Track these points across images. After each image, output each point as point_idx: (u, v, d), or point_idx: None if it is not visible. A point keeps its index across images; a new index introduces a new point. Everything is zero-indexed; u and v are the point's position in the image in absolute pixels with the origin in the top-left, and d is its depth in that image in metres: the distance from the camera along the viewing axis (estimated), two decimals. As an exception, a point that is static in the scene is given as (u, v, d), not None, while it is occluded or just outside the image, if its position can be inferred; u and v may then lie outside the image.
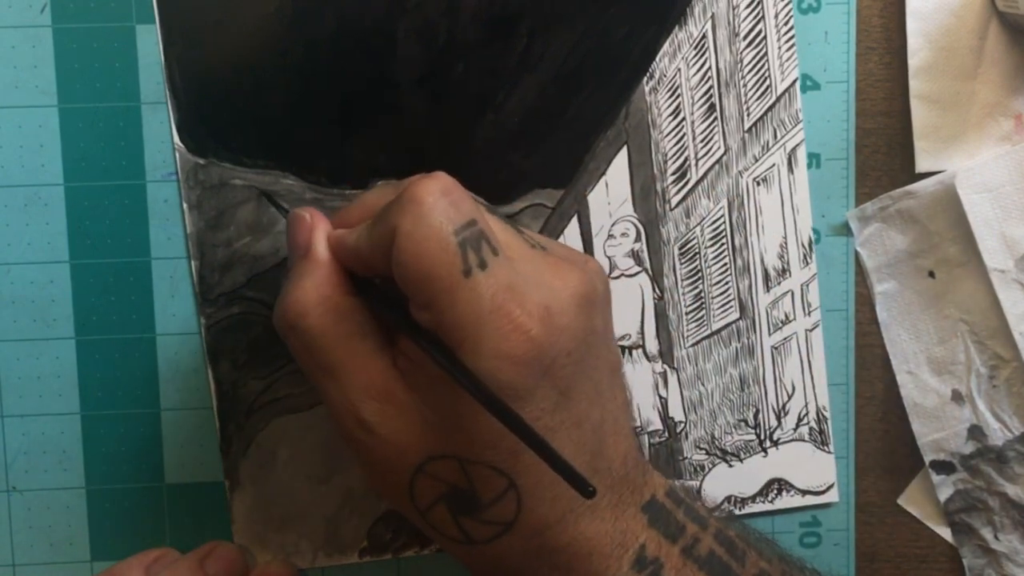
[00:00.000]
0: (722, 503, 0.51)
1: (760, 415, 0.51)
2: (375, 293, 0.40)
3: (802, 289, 0.50)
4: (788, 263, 0.50)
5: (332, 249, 0.41)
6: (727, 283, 0.50)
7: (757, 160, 0.50)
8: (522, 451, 0.37)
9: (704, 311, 0.50)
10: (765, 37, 0.49)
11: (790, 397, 0.51)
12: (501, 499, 0.38)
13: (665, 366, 0.51)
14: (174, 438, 0.50)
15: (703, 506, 0.43)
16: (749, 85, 0.49)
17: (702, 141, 0.50)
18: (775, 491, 0.51)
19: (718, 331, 0.51)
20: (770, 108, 0.49)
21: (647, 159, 0.50)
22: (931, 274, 0.51)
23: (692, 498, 0.43)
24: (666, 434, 0.51)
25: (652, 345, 0.51)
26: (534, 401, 0.37)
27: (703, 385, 0.51)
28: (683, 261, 0.50)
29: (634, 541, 0.40)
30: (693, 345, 0.51)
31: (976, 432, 0.51)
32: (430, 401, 0.39)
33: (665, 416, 0.51)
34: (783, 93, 0.49)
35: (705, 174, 0.50)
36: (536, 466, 0.38)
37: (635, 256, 0.50)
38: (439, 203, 0.37)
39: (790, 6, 0.49)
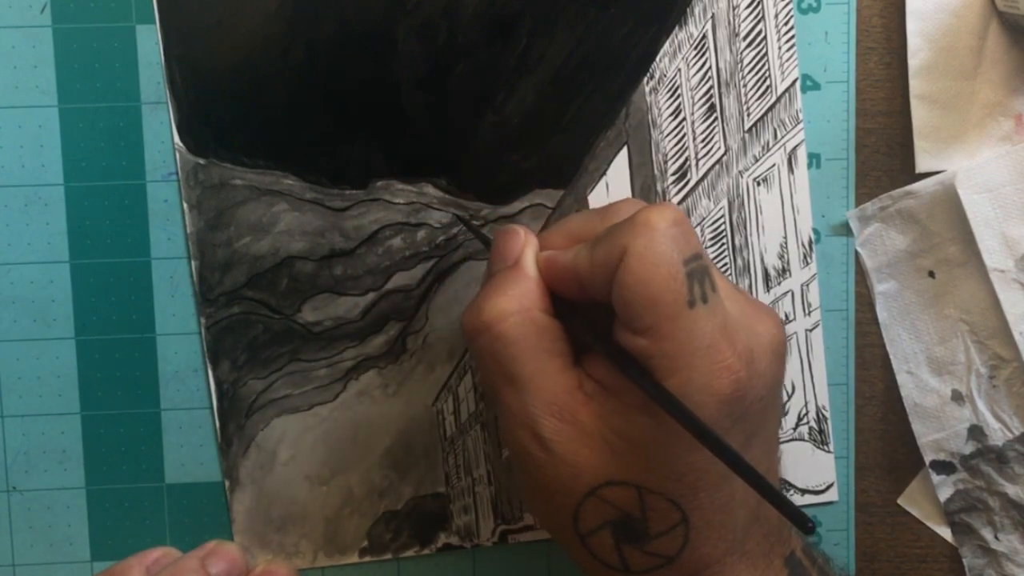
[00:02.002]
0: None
1: (760, 415, 0.51)
2: (577, 315, 0.41)
3: (802, 289, 0.50)
4: (788, 263, 0.50)
5: (540, 267, 0.41)
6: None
7: (757, 160, 0.50)
8: (701, 488, 0.38)
9: (704, 311, 0.50)
10: (765, 37, 0.49)
11: (790, 397, 0.51)
12: (670, 533, 0.39)
13: None
14: (174, 438, 0.50)
15: (832, 569, 0.43)
16: (749, 85, 0.49)
17: (702, 141, 0.50)
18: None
19: (718, 331, 0.51)
20: (770, 108, 0.49)
21: (647, 159, 0.50)
22: (931, 274, 0.51)
23: (824, 559, 0.43)
24: None
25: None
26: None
27: (703, 385, 0.51)
28: (683, 261, 0.50)
29: None
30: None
31: (976, 432, 0.51)
32: (617, 427, 0.38)
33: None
34: (783, 93, 0.49)
35: (705, 174, 0.50)
36: (710, 505, 0.38)
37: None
38: (672, 231, 0.37)
39: (790, 6, 0.49)
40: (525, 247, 0.42)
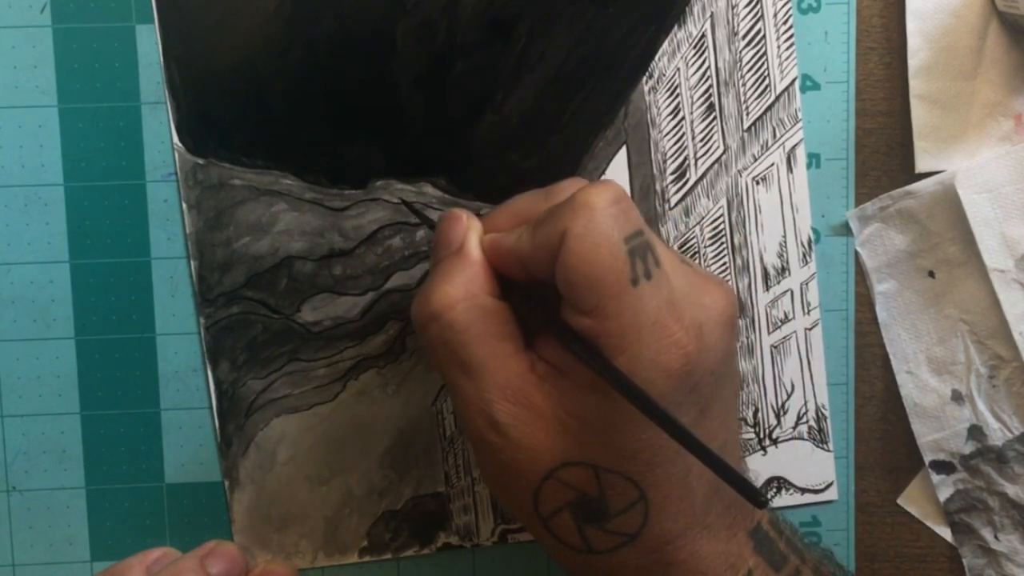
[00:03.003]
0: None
1: (759, 414, 0.51)
2: (525, 297, 0.40)
3: (801, 288, 0.50)
4: (787, 262, 0.50)
5: (484, 251, 0.41)
6: (727, 282, 0.50)
7: (756, 159, 0.50)
8: (657, 464, 0.38)
9: (704, 311, 0.50)
10: (764, 36, 0.49)
11: (789, 396, 0.51)
12: (629, 510, 0.39)
13: None
14: (174, 438, 0.50)
15: (801, 540, 0.43)
16: (748, 84, 0.49)
17: (701, 140, 0.50)
18: (774, 489, 0.51)
19: (718, 331, 0.50)
20: (769, 107, 0.49)
21: (646, 158, 0.50)
22: (931, 274, 0.51)
23: (791, 531, 0.43)
24: None
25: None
26: (677, 415, 0.37)
27: (703, 385, 0.51)
28: (682, 261, 0.50)
29: (743, 564, 0.40)
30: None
31: (976, 432, 0.51)
32: (570, 408, 0.39)
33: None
34: (782, 92, 0.49)
35: (704, 173, 0.50)
36: (667, 481, 0.38)
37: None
38: (611, 209, 0.37)
39: (789, 6, 0.49)
40: (468, 231, 0.41)
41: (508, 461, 0.39)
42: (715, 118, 0.50)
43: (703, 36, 0.49)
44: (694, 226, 0.50)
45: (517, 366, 0.39)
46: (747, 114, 0.50)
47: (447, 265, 0.41)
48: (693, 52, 0.49)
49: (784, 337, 0.51)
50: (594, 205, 0.37)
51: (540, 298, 0.40)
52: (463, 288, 0.40)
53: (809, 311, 0.50)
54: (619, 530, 0.39)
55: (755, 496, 0.35)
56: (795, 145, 0.50)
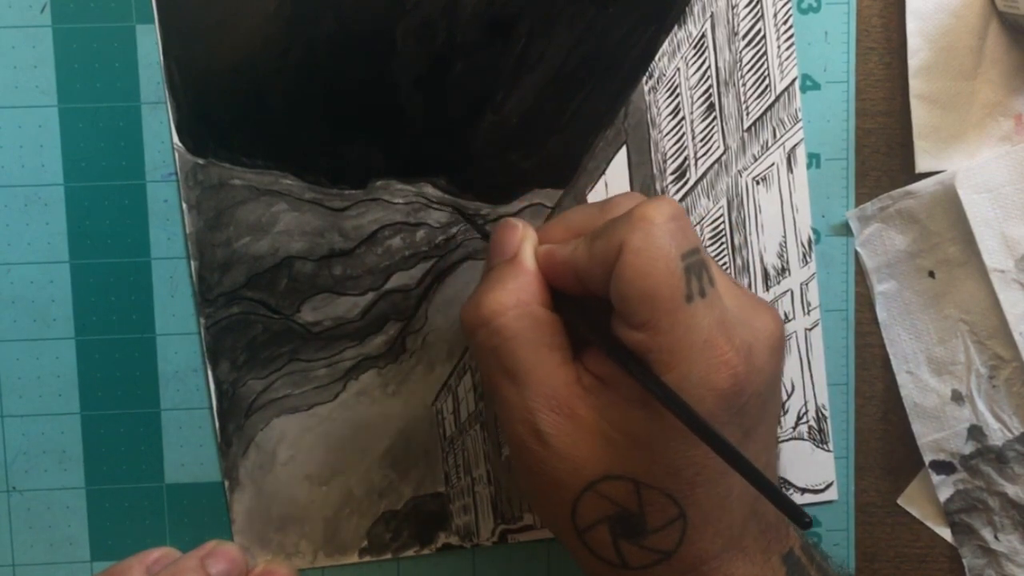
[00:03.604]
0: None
1: (759, 414, 0.51)
2: (576, 309, 0.40)
3: (801, 288, 0.50)
4: (787, 262, 0.50)
5: (538, 261, 0.41)
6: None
7: (756, 159, 0.50)
8: (699, 484, 0.38)
9: (704, 311, 0.50)
10: (764, 36, 0.49)
11: (789, 396, 0.51)
12: (667, 528, 0.38)
13: None
14: (174, 438, 0.50)
15: (830, 566, 0.43)
16: (748, 84, 0.49)
17: (701, 140, 0.50)
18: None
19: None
20: (769, 107, 0.49)
21: (646, 158, 0.50)
22: (931, 274, 0.51)
23: (821, 556, 0.43)
24: None
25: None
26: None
27: (703, 385, 0.51)
28: (682, 261, 0.50)
29: None
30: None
31: (976, 432, 0.51)
32: (615, 422, 0.38)
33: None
34: (782, 92, 0.49)
35: (704, 173, 0.50)
36: (707, 500, 0.38)
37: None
38: (669, 225, 0.37)
39: (789, 5, 0.49)
40: (523, 241, 0.41)
41: (548, 471, 0.39)
42: (715, 118, 0.50)
43: (703, 36, 0.49)
44: (695, 226, 0.50)
45: (564, 376, 0.39)
46: (747, 114, 0.50)
47: (500, 272, 0.41)
48: (693, 52, 0.49)
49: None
50: (653, 220, 0.37)
51: (591, 311, 0.40)
52: (515, 295, 0.40)
53: (809, 311, 0.50)
54: (655, 547, 0.39)
55: (800, 517, 0.34)
56: (795, 145, 0.50)
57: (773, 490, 0.35)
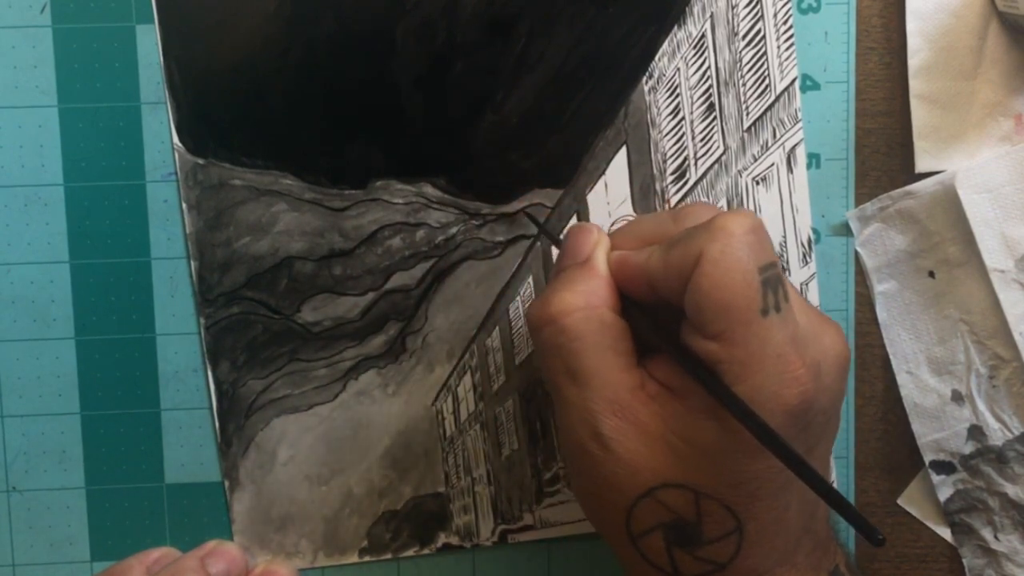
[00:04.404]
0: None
1: (759, 415, 0.51)
2: (645, 315, 0.40)
3: (801, 288, 0.50)
4: (787, 262, 0.50)
5: (611, 266, 0.41)
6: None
7: (756, 159, 0.50)
8: (759, 497, 0.38)
9: (704, 311, 0.50)
10: (764, 36, 0.49)
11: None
12: (723, 539, 0.38)
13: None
14: (174, 438, 0.50)
15: None
16: (748, 84, 0.49)
17: (701, 140, 0.50)
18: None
19: (718, 331, 0.50)
20: (769, 107, 0.49)
21: (646, 158, 0.50)
22: (931, 274, 0.50)
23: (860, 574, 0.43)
24: None
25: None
26: None
27: (703, 385, 0.51)
28: (682, 261, 0.50)
29: None
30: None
31: (976, 432, 0.51)
32: (678, 430, 0.38)
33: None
34: (782, 92, 0.49)
35: (704, 173, 0.50)
36: (766, 514, 0.38)
37: (635, 256, 0.50)
38: (748, 237, 0.37)
39: (789, 6, 0.49)
40: (597, 245, 0.42)
41: (607, 474, 0.39)
42: (715, 118, 0.50)
43: (703, 36, 0.49)
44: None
45: (628, 381, 0.39)
46: (747, 114, 0.50)
47: (571, 274, 0.41)
48: (693, 52, 0.49)
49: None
50: (732, 231, 0.37)
51: (660, 318, 0.40)
52: (584, 297, 0.40)
53: (809, 311, 0.50)
54: (709, 558, 0.39)
55: (873, 534, 0.34)
56: (795, 145, 0.50)
57: (845, 505, 0.35)
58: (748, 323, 0.36)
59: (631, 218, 0.50)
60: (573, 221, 0.50)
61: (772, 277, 0.37)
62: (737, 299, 0.36)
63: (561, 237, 0.44)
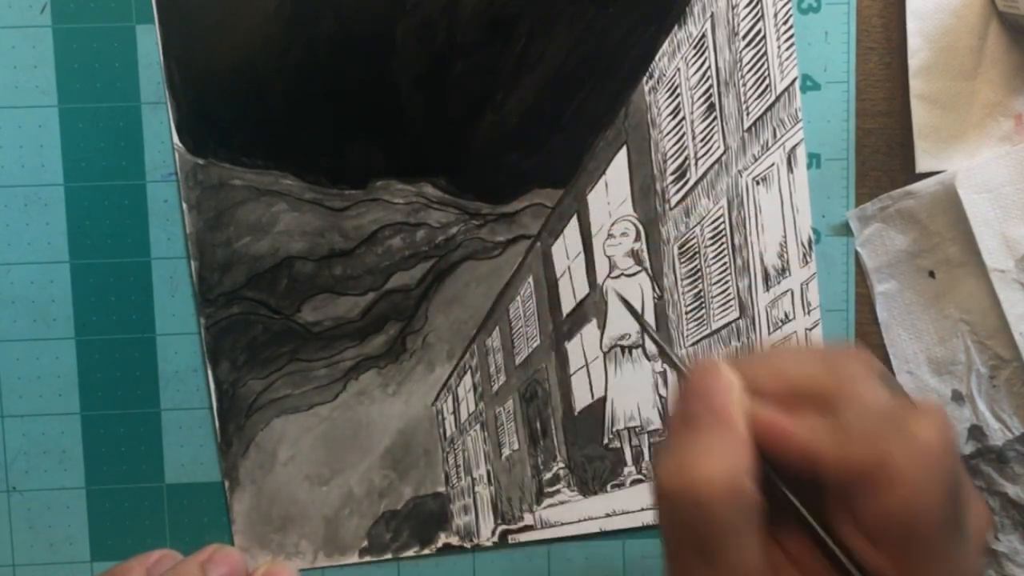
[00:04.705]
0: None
1: (760, 415, 0.51)
2: (796, 494, 0.36)
3: (802, 288, 0.50)
4: (788, 262, 0.50)
5: (754, 426, 0.36)
6: (727, 282, 0.50)
7: (757, 159, 0.50)
8: None
9: (704, 310, 0.50)
10: (764, 37, 0.49)
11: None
12: None
13: (665, 366, 0.51)
14: (174, 438, 0.50)
15: None
16: (748, 84, 0.49)
17: (701, 140, 0.50)
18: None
19: (718, 330, 0.51)
20: (769, 107, 0.49)
21: (646, 159, 0.50)
22: (931, 274, 0.50)
23: None
24: (667, 433, 0.51)
25: (652, 345, 0.51)
26: None
27: (703, 385, 0.51)
28: (683, 260, 0.50)
29: None
30: (693, 344, 0.51)
31: (976, 432, 0.51)
32: None
33: (665, 415, 0.51)
34: (782, 92, 0.49)
35: (704, 173, 0.50)
36: None
37: (635, 256, 0.50)
38: (947, 457, 0.33)
39: (789, 6, 0.49)
40: (731, 390, 0.36)
41: None
42: (715, 118, 0.50)
43: (703, 36, 0.49)
44: (694, 226, 0.50)
45: (759, 559, 0.35)
46: (747, 114, 0.50)
47: (709, 436, 0.36)
48: (693, 52, 0.49)
49: (785, 337, 0.50)
50: (931, 445, 0.33)
51: (805, 492, 0.36)
52: (727, 468, 0.35)
53: (809, 311, 0.50)
54: None
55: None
56: (795, 145, 0.50)
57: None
58: (930, 549, 0.33)
59: (631, 218, 0.50)
60: (574, 222, 0.50)
61: (958, 492, 0.34)
62: (926, 528, 0.33)
63: (674, 357, 0.39)
